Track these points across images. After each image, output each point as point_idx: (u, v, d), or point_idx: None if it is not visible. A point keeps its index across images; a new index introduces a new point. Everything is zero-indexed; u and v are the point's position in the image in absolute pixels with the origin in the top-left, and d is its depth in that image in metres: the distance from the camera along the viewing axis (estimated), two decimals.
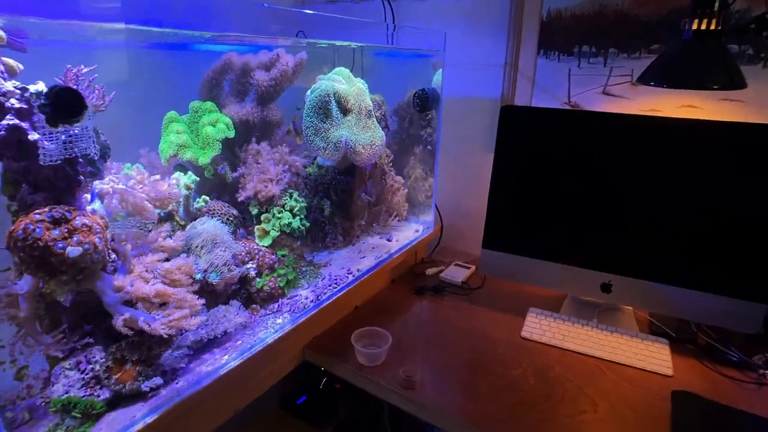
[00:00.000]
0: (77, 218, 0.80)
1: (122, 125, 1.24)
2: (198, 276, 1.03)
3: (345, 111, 1.37)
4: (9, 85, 0.77)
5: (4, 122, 0.75)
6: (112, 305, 0.86)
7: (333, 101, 1.31)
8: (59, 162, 0.72)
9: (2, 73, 0.77)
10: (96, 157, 0.78)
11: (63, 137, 0.70)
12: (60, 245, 0.76)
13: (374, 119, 1.46)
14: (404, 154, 1.79)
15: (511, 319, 1.33)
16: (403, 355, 1.17)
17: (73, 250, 0.74)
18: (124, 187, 0.88)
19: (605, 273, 1.26)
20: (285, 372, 1.17)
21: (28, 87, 0.78)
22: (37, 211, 0.77)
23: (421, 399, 1.04)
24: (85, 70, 1.10)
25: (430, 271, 1.64)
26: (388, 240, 1.63)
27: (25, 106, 0.77)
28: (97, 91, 1.13)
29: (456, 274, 1.60)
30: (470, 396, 1.03)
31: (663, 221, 1.17)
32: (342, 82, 1.36)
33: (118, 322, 0.85)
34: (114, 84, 1.11)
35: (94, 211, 0.86)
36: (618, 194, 1.22)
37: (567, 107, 1.53)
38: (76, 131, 0.72)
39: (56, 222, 0.77)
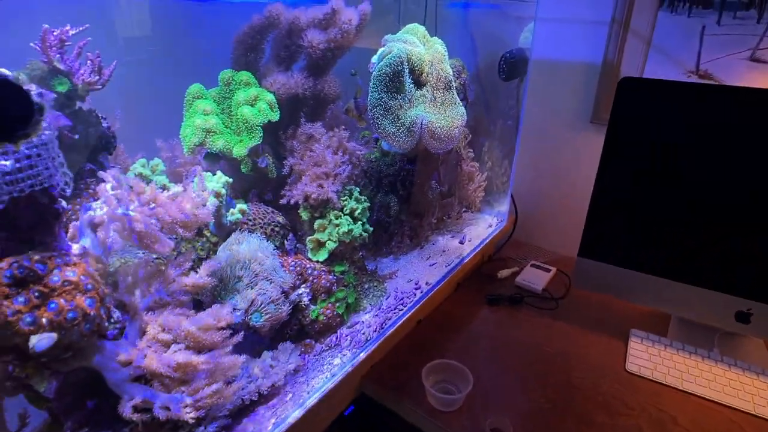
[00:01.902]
0: (55, 273, 0.52)
1: (129, 105, 0.95)
2: (237, 319, 0.76)
3: (419, 83, 1.03)
4: None
5: None
6: (117, 384, 0.60)
7: (406, 70, 0.97)
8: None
9: None
10: (68, 191, 0.49)
11: (7, 162, 0.41)
12: (28, 319, 0.49)
13: (454, 92, 1.12)
14: (481, 132, 1.44)
15: (609, 343, 1.05)
16: (480, 391, 0.90)
17: (39, 342, 0.46)
18: (129, 212, 0.59)
19: (744, 299, 0.95)
20: (338, 411, 0.93)
21: None
22: None
23: None
24: (72, 31, 0.80)
25: (502, 273, 1.33)
26: (461, 242, 1.32)
27: None
28: (90, 63, 0.83)
29: (535, 278, 1.29)
30: None
31: None
32: (417, 44, 1.01)
33: (126, 411, 0.60)
34: (113, 51, 0.81)
35: (84, 252, 0.58)
36: None
37: (693, 77, 1.17)
38: (31, 150, 0.42)
39: (20, 283, 0.50)
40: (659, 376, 0.94)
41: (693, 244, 0.98)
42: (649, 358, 0.99)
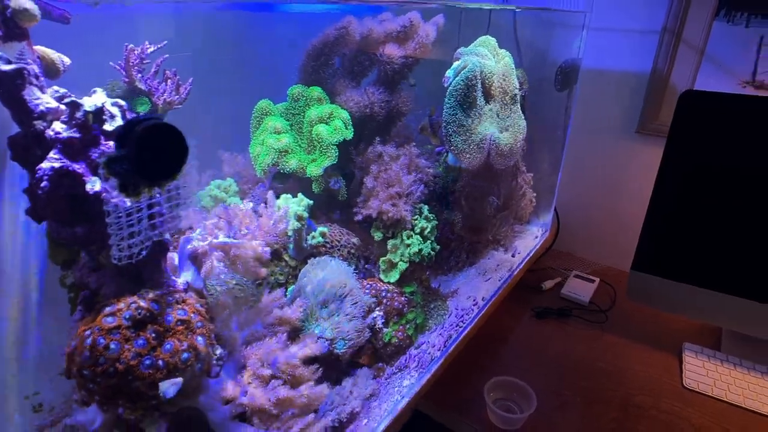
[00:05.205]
0: (168, 312, 0.50)
1: (191, 120, 0.93)
2: (324, 349, 0.73)
3: (488, 96, 1.00)
4: (49, 98, 0.45)
5: (46, 165, 0.44)
6: (221, 424, 0.58)
7: (479, 85, 0.94)
8: (140, 256, 0.40)
9: (35, 76, 0.45)
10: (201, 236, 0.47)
11: (145, 207, 0.38)
12: (147, 362, 0.47)
13: (518, 106, 1.08)
14: (532, 144, 1.41)
15: (662, 358, 1.03)
16: (540, 409, 0.86)
17: (169, 389, 0.44)
18: (229, 239, 0.57)
19: None
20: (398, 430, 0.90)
21: (80, 101, 0.46)
22: (108, 310, 0.47)
23: None
24: (150, 48, 0.78)
25: (547, 284, 1.31)
26: (513, 255, 1.29)
27: (76, 135, 0.45)
28: (169, 82, 0.81)
29: (580, 290, 1.27)
30: None
31: None
32: (488, 57, 0.97)
33: None
34: (172, 63, 0.78)
35: (187, 286, 0.56)
36: None
37: (748, 88, 1.15)
38: (173, 192, 0.40)
39: (139, 324, 0.48)
40: (720, 393, 0.92)
41: (753, 259, 0.95)
42: (706, 373, 0.97)
